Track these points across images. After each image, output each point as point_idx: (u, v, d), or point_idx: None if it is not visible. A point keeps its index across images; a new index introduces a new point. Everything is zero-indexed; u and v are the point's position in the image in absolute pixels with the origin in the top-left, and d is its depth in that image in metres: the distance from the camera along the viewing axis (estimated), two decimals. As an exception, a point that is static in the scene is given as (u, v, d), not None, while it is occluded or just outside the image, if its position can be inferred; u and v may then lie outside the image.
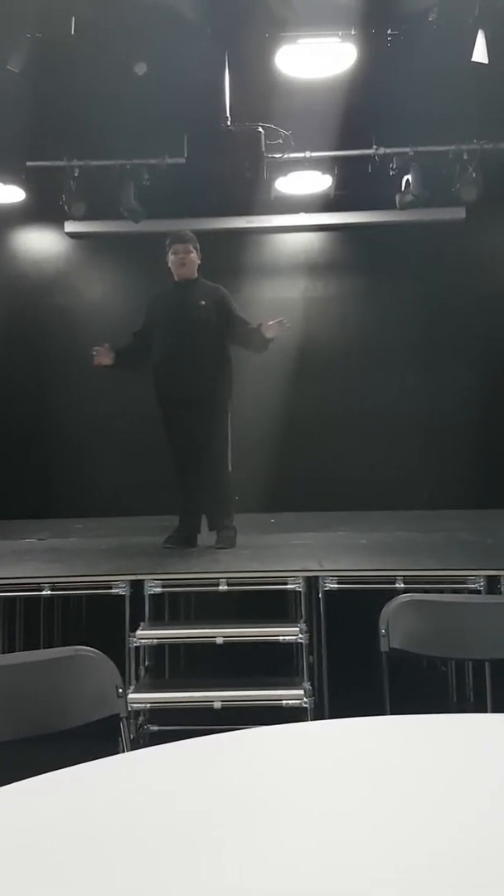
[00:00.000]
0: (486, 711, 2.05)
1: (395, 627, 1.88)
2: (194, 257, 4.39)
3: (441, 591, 3.40)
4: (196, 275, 4.42)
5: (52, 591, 3.56)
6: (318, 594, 3.50)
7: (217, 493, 4.45)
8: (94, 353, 4.41)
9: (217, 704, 3.13)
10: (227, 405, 4.43)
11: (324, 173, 6.22)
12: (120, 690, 1.56)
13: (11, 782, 1.14)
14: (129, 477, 6.51)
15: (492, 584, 3.44)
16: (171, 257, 4.41)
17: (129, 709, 3.02)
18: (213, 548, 4.31)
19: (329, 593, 3.48)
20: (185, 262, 4.36)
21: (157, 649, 3.62)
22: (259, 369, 4.62)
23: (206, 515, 4.50)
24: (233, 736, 1.35)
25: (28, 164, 6.01)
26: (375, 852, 0.95)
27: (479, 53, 4.39)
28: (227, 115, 5.18)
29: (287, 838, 0.99)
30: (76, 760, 1.22)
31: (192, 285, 4.41)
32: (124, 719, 1.57)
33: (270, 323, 4.20)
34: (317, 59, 4.71)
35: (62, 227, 6.76)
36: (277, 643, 3.42)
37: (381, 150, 5.96)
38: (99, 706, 1.53)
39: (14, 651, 3.66)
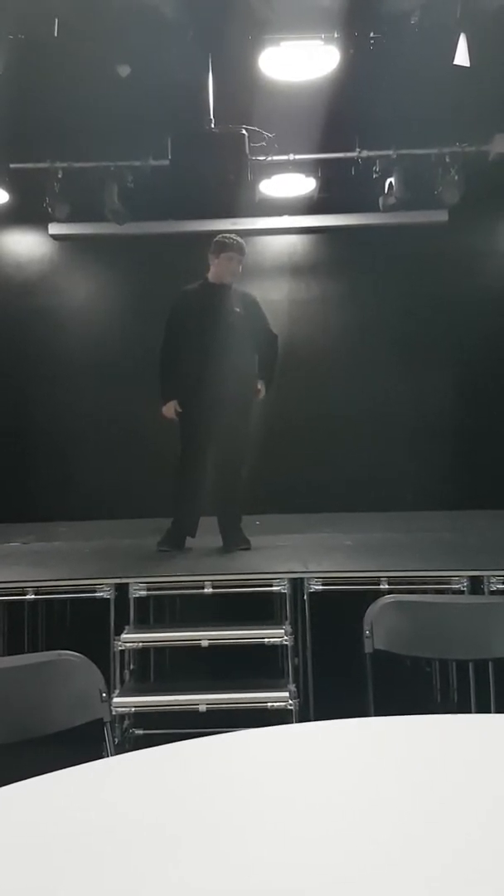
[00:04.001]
0: (469, 712, 2.05)
1: (380, 628, 1.89)
2: (241, 269, 4.43)
3: (425, 591, 3.41)
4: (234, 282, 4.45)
5: (36, 595, 3.55)
6: (303, 596, 3.50)
7: (234, 495, 4.46)
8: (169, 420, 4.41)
9: (202, 707, 3.13)
10: (252, 408, 4.46)
11: (307, 176, 6.24)
12: (104, 695, 1.56)
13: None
14: (113, 480, 6.50)
15: (475, 585, 3.46)
16: (221, 261, 4.36)
17: (114, 712, 3.01)
18: (234, 550, 4.33)
19: (314, 595, 3.49)
20: (235, 271, 4.39)
21: (142, 653, 3.61)
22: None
23: (219, 518, 4.48)
24: (218, 739, 1.34)
25: (11, 165, 5.99)
26: (361, 853, 0.95)
27: (461, 56, 4.41)
28: (211, 116, 5.18)
29: (274, 840, 0.99)
30: (60, 765, 1.22)
31: (227, 290, 4.40)
32: (108, 724, 1.56)
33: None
34: (300, 61, 4.72)
35: (46, 228, 6.73)
36: (263, 645, 3.42)
37: (364, 153, 5.99)
38: (82, 711, 1.53)
39: (-2, 656, 3.63)
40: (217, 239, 4.45)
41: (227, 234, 4.54)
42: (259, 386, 4.45)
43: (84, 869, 0.93)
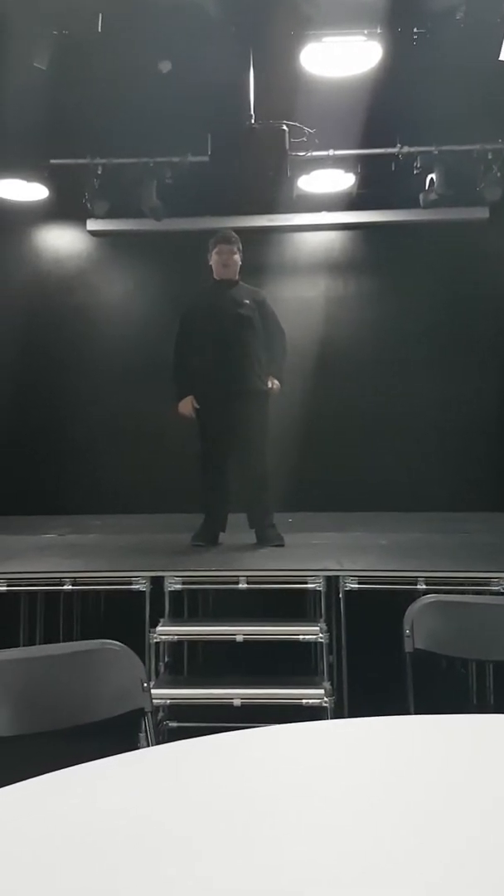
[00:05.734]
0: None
1: (420, 628, 1.87)
2: (237, 258, 4.45)
3: (463, 592, 3.37)
4: (237, 276, 4.48)
5: (73, 585, 3.58)
6: (338, 594, 3.49)
7: (259, 489, 4.46)
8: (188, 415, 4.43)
9: (237, 702, 3.13)
10: (268, 400, 4.47)
11: (347, 172, 6.20)
12: (145, 685, 1.56)
13: (35, 775, 1.14)
14: (146, 475, 6.53)
15: (513, 587, 3.42)
16: (214, 256, 4.44)
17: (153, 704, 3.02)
18: (267, 546, 4.34)
19: (349, 593, 3.47)
20: (228, 262, 4.42)
21: (176, 646, 3.62)
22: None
23: (248, 512, 4.50)
24: (252, 733, 1.34)
25: (52, 161, 6.03)
26: (393, 851, 0.94)
27: (506, 52, 4.35)
28: (251, 113, 5.17)
29: (304, 836, 0.98)
30: (99, 754, 1.23)
31: (234, 286, 4.46)
32: (149, 714, 1.57)
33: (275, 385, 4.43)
34: (342, 57, 4.69)
35: (84, 225, 6.78)
36: (295, 643, 3.41)
37: (405, 149, 5.93)
38: (124, 700, 1.54)
39: (34, 644, 3.68)
40: (211, 240, 4.51)
41: (220, 230, 4.59)
42: (270, 382, 4.44)
43: (120, 855, 0.94)
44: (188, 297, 4.65)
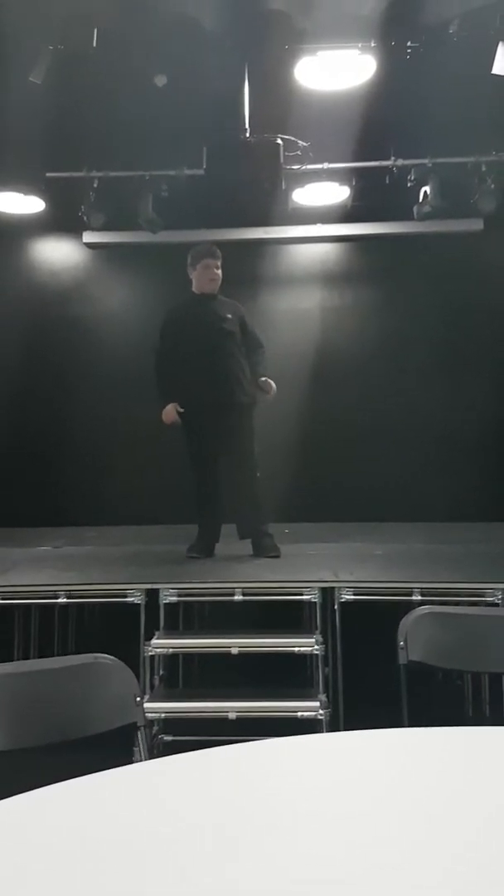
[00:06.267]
0: (502, 725, 2.02)
1: (414, 640, 1.87)
2: (220, 273, 4.47)
3: (458, 603, 3.37)
4: (217, 290, 4.50)
5: (67, 598, 3.57)
6: (333, 605, 3.48)
7: (252, 499, 4.46)
8: (171, 423, 4.40)
9: (232, 715, 3.12)
10: (253, 410, 4.49)
11: (341, 184, 6.23)
12: (137, 699, 1.56)
13: (28, 790, 1.14)
14: (141, 486, 6.52)
15: (510, 598, 3.41)
16: (198, 270, 4.45)
17: (146, 718, 3.01)
18: (263, 557, 4.34)
19: (345, 605, 3.46)
20: (213, 277, 4.44)
21: (172, 658, 3.61)
22: (275, 379, 4.63)
23: (238, 523, 4.50)
24: (248, 747, 1.34)
25: (48, 174, 6.05)
26: (389, 865, 0.94)
27: (500, 66, 4.39)
28: (246, 126, 5.20)
29: (301, 850, 0.98)
30: (92, 769, 1.22)
31: (215, 300, 4.49)
32: (142, 728, 1.56)
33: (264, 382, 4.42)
34: (336, 70, 4.72)
35: (80, 237, 6.80)
36: (291, 654, 3.40)
37: (399, 162, 5.96)
38: (117, 714, 1.53)
39: (29, 658, 3.66)
40: (192, 251, 4.53)
41: (201, 243, 4.63)
42: (266, 387, 4.44)
43: (112, 871, 0.93)
44: (167, 310, 4.65)
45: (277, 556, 4.36)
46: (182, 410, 4.39)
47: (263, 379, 4.45)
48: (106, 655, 1.57)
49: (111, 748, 1.54)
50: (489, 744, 1.38)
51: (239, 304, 4.62)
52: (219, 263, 4.45)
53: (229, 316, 4.44)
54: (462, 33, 4.45)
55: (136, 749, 1.58)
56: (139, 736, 1.57)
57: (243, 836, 1.03)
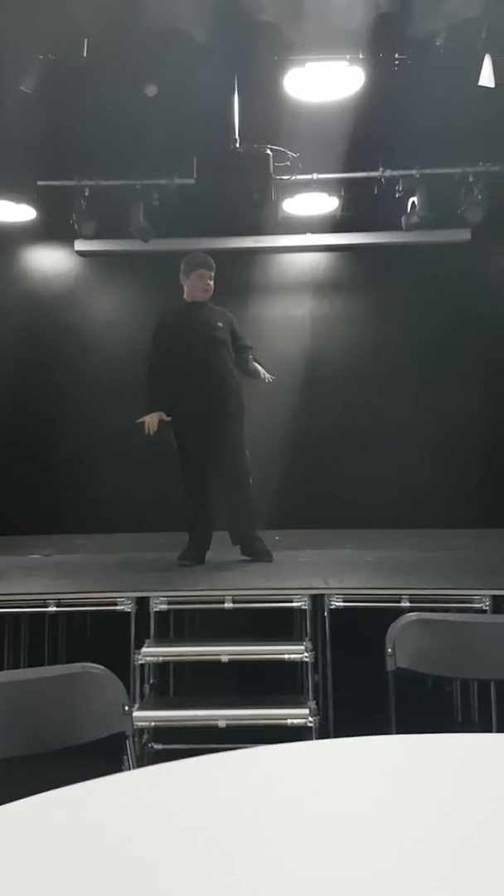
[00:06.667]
0: (490, 731, 2.04)
1: (402, 646, 1.88)
2: (212, 284, 4.52)
3: (447, 610, 3.39)
4: (208, 299, 4.55)
5: (57, 607, 3.56)
6: (323, 612, 3.49)
7: (244, 505, 4.48)
8: (147, 432, 4.34)
9: (222, 723, 3.12)
10: (244, 417, 4.54)
11: (330, 195, 6.27)
12: (126, 708, 1.56)
13: (16, 799, 1.14)
14: (133, 493, 6.52)
15: (497, 604, 3.43)
16: (192, 279, 4.48)
17: (134, 726, 3.01)
18: (256, 561, 4.37)
19: (335, 612, 3.47)
20: (207, 287, 4.49)
21: (162, 666, 3.61)
22: (265, 387, 4.67)
23: (230, 529, 4.52)
24: (237, 755, 1.34)
25: (39, 183, 6.07)
26: (378, 872, 0.95)
27: (486, 77, 4.43)
28: (236, 136, 5.23)
29: (291, 858, 0.99)
30: (81, 777, 1.23)
31: (205, 308, 4.53)
32: (130, 737, 1.57)
33: (261, 368, 4.53)
34: (325, 82, 4.76)
35: (72, 245, 6.81)
36: (283, 662, 3.41)
37: (388, 173, 6.00)
38: (105, 724, 1.54)
39: (19, 667, 3.65)
40: (186, 259, 4.58)
41: (196, 253, 4.65)
42: (263, 374, 4.51)
43: (102, 881, 0.94)
44: (159, 316, 4.67)
45: (270, 561, 4.39)
46: (168, 419, 4.39)
47: (253, 363, 4.47)
48: (94, 665, 1.58)
49: (101, 757, 1.55)
50: (476, 751, 1.40)
51: (228, 311, 4.65)
52: (212, 274, 4.49)
53: (220, 324, 4.48)
54: (448, 46, 4.49)
55: (125, 758, 1.58)
56: (128, 745, 1.58)
57: (233, 843, 1.03)
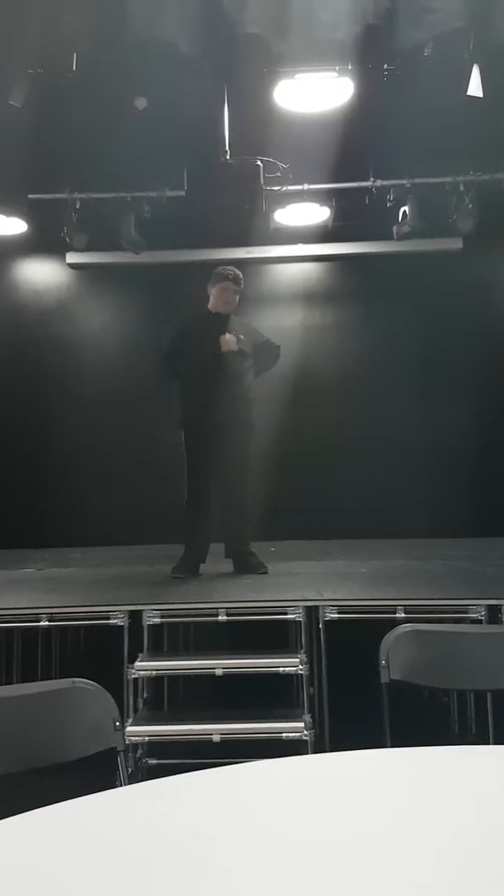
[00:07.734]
0: (488, 742, 2.02)
1: (396, 658, 1.86)
2: (237, 298, 4.57)
3: (442, 620, 3.37)
4: (232, 311, 4.59)
5: (49, 621, 3.53)
6: (318, 624, 3.47)
7: (240, 519, 4.50)
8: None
9: (216, 737, 3.09)
10: (252, 431, 4.56)
11: (322, 205, 6.28)
12: (117, 724, 1.54)
13: (8, 816, 1.12)
14: (125, 507, 6.50)
15: (493, 614, 3.42)
16: (217, 291, 4.52)
17: (127, 742, 2.98)
18: (251, 574, 4.36)
19: (329, 623, 3.45)
20: (231, 300, 4.54)
21: (156, 680, 3.58)
22: (257, 397, 4.66)
23: (226, 542, 4.53)
24: (232, 769, 1.33)
25: (30, 196, 6.07)
26: (375, 886, 0.93)
27: (475, 87, 4.45)
28: (227, 148, 5.24)
29: (288, 872, 0.97)
30: (73, 794, 1.21)
31: (227, 319, 4.55)
32: (122, 753, 1.54)
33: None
34: (314, 93, 4.77)
35: (63, 258, 6.82)
36: (277, 674, 3.38)
37: (379, 182, 6.02)
38: (96, 739, 1.51)
39: (11, 683, 3.62)
40: (216, 270, 4.61)
41: (225, 266, 4.68)
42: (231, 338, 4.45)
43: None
44: (180, 320, 4.71)
45: (266, 573, 4.37)
46: (242, 338, 4.43)
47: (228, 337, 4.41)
48: (85, 680, 1.55)
49: (94, 773, 1.52)
50: (472, 763, 1.38)
51: (250, 322, 4.71)
52: (238, 289, 4.53)
53: (242, 337, 4.49)
54: (437, 56, 4.51)
55: (118, 773, 1.56)
56: (120, 761, 1.56)
57: (228, 858, 1.02)
